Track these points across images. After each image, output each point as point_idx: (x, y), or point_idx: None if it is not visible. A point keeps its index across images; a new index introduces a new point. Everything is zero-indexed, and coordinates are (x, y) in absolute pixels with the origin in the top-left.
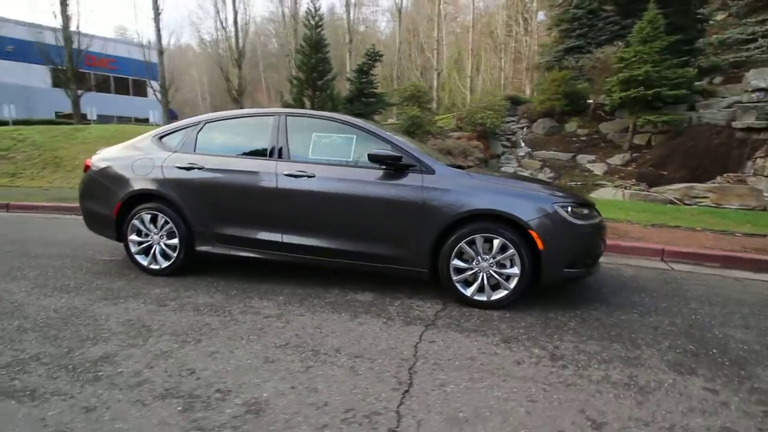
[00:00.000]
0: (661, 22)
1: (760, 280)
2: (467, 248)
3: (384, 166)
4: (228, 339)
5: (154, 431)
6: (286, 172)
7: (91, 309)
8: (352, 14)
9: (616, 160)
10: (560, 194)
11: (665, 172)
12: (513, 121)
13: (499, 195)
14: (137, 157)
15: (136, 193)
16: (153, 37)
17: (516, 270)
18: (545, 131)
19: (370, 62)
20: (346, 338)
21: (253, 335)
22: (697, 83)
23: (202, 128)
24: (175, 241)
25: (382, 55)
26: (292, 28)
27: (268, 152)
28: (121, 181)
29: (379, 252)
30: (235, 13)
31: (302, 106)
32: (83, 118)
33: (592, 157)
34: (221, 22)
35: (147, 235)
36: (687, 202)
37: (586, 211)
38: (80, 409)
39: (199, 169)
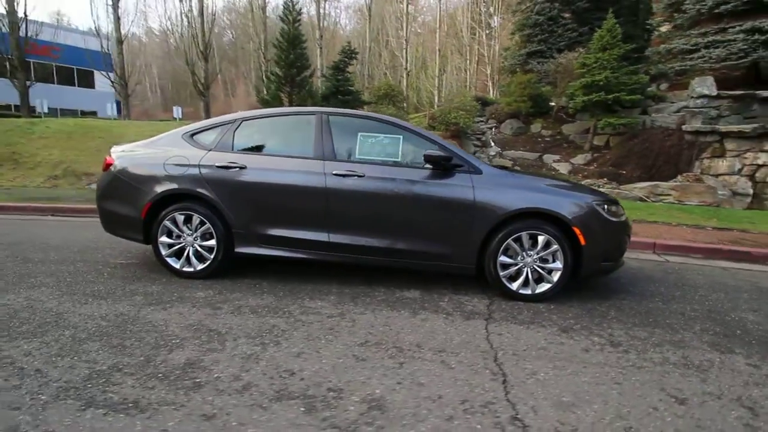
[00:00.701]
0: (618, 31)
1: (742, 269)
2: (513, 245)
3: (433, 166)
4: (306, 339)
5: None
6: (335, 172)
7: (142, 315)
8: (320, 9)
9: (579, 159)
10: (596, 193)
11: (623, 172)
12: (482, 121)
13: (543, 194)
14: (170, 155)
15: (170, 192)
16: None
17: (559, 264)
18: (513, 132)
19: (345, 59)
20: (419, 334)
21: (329, 335)
22: (648, 89)
23: (239, 126)
24: (212, 242)
25: (357, 53)
26: (261, 20)
27: (312, 151)
28: (151, 180)
29: (428, 250)
30: (201, 3)
31: (280, 103)
32: (32, 112)
33: (557, 157)
34: (183, 12)
35: (179, 237)
36: (653, 199)
37: (615, 209)
38: (199, 417)
39: (242, 168)
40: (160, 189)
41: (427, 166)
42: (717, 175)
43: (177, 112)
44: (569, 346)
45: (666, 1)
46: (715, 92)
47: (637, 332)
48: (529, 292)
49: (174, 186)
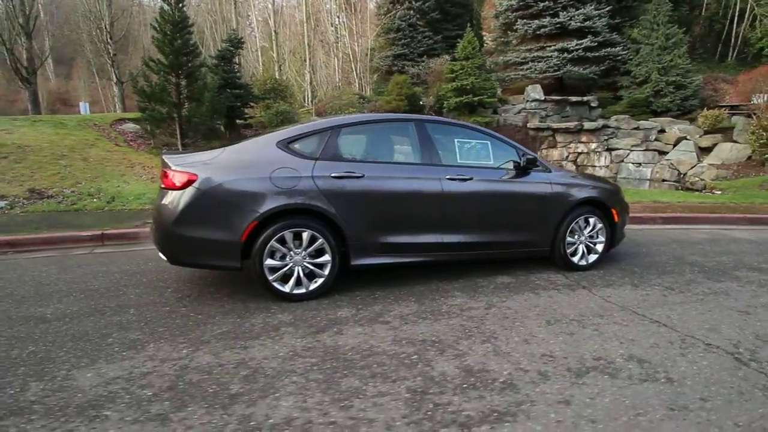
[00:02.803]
0: (476, 43)
1: (680, 228)
2: (576, 228)
3: (519, 168)
4: (503, 329)
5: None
6: (449, 177)
7: (328, 342)
8: None
9: None
10: (611, 183)
11: None
12: None
13: (590, 187)
14: (274, 167)
15: (283, 208)
16: None
17: (602, 238)
18: None
19: (231, 48)
20: (566, 307)
21: (514, 323)
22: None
23: (339, 133)
24: (325, 258)
25: (244, 42)
26: None
27: (420, 158)
28: (255, 196)
29: (520, 239)
30: None
31: (168, 95)
32: None
33: None
34: None
35: (284, 257)
36: None
37: (623, 194)
38: (557, 403)
39: (359, 177)
40: (268, 205)
41: (507, 166)
42: (553, 161)
43: (84, 108)
44: (653, 295)
45: (502, 20)
46: (543, 97)
47: (665, 278)
48: (584, 263)
49: (287, 201)
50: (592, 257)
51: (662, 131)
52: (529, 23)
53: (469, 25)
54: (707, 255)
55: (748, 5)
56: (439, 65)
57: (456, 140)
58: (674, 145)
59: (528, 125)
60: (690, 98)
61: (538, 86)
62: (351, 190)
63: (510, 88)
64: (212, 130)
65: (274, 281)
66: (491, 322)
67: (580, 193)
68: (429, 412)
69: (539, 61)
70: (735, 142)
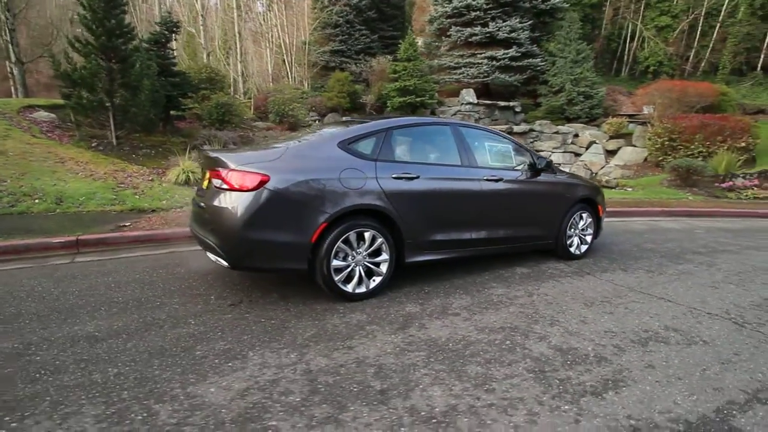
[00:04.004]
0: (416, 45)
1: (619, 220)
2: (573, 222)
3: (534, 170)
4: (561, 313)
5: None
6: (486, 177)
7: (430, 337)
8: None
9: None
10: (592, 181)
11: None
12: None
13: (584, 186)
14: (341, 167)
15: (350, 209)
16: None
17: (591, 231)
18: None
19: (166, 32)
20: (591, 292)
21: (561, 306)
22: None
23: (392, 135)
24: (383, 257)
25: (180, 25)
26: None
27: (459, 159)
28: (326, 197)
29: (535, 233)
30: None
31: (99, 81)
32: None
33: None
34: None
35: (345, 258)
36: None
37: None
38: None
39: (415, 177)
40: (339, 206)
41: (524, 168)
42: None
43: None
44: (642, 277)
45: (436, 26)
46: (476, 101)
47: (641, 263)
48: (578, 253)
49: (356, 201)
50: (583, 247)
51: (576, 135)
52: (462, 30)
53: (410, 28)
54: (657, 242)
55: (638, 28)
56: (381, 65)
57: (486, 144)
58: (587, 148)
59: None
60: (596, 107)
61: (472, 90)
62: (408, 190)
63: (441, 90)
64: (151, 122)
65: (339, 282)
66: (542, 307)
67: (579, 192)
68: (561, 387)
69: (471, 67)
70: (634, 146)
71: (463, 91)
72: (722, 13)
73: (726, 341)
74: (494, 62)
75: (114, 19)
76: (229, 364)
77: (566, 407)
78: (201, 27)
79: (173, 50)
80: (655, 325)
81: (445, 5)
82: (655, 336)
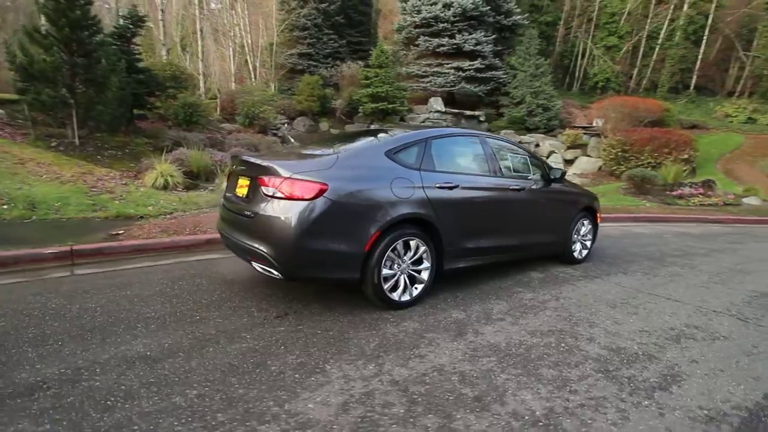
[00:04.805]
0: (388, 53)
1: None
2: (579, 229)
3: (545, 180)
4: (592, 315)
5: None
6: (511, 187)
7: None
8: None
9: None
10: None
11: None
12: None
13: (586, 196)
14: (392, 176)
15: (400, 218)
16: None
17: (590, 237)
18: (306, 129)
19: (131, 26)
20: (607, 294)
21: (589, 308)
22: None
23: (431, 145)
24: (425, 264)
25: (146, 18)
26: None
27: (489, 169)
28: (380, 206)
29: (547, 240)
30: None
31: (61, 77)
32: None
33: None
34: None
35: (392, 266)
36: None
37: None
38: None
39: (454, 187)
40: (391, 215)
41: (538, 178)
42: None
43: None
44: (643, 279)
45: (404, 35)
46: (444, 109)
47: (634, 266)
48: (580, 258)
49: (407, 210)
50: (584, 252)
51: (537, 145)
52: (430, 41)
53: (381, 36)
54: (639, 247)
55: (588, 46)
56: (352, 70)
57: (509, 155)
58: (547, 157)
59: None
60: (553, 119)
61: (440, 99)
62: (448, 199)
63: (409, 98)
64: (117, 121)
65: (387, 290)
66: (574, 310)
67: (584, 201)
68: (631, 384)
69: (439, 76)
70: (589, 156)
71: (432, 100)
72: (661, 37)
73: (740, 336)
74: (460, 73)
75: (79, 10)
76: (312, 378)
77: (646, 403)
78: (160, 21)
79: (138, 45)
80: (677, 324)
81: (414, 15)
82: (682, 333)
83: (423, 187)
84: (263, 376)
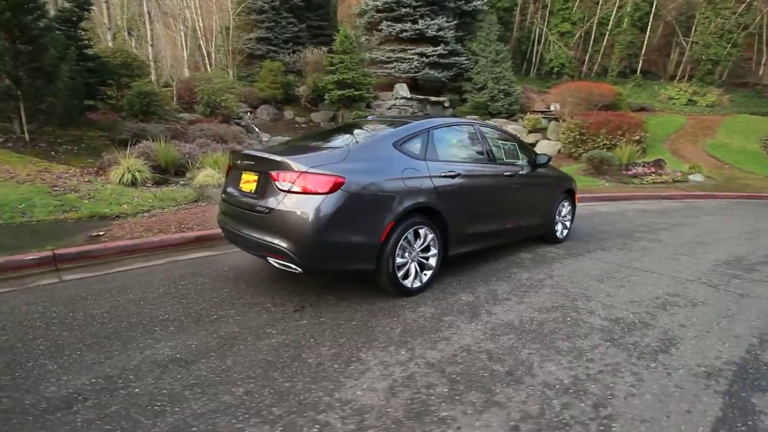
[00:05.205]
0: (352, 38)
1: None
2: (561, 210)
3: (535, 165)
4: (611, 278)
5: None
6: (506, 173)
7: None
8: None
9: None
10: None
11: None
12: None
13: (566, 179)
14: (401, 167)
15: (412, 208)
16: None
17: (570, 218)
18: (270, 117)
19: (77, 10)
20: (593, 269)
21: (577, 286)
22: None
23: (432, 135)
24: (432, 251)
25: (92, 3)
26: None
27: (485, 157)
28: (393, 197)
29: (536, 222)
30: None
31: (4, 66)
32: None
33: None
34: None
35: (403, 254)
36: None
37: None
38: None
39: (457, 175)
40: (403, 205)
41: (525, 163)
42: None
43: None
44: (620, 255)
45: (366, 19)
46: (409, 95)
47: (609, 242)
48: (561, 237)
49: (417, 200)
50: (565, 232)
51: None
52: (393, 26)
53: (339, 19)
54: (609, 224)
55: (544, 32)
56: (316, 56)
57: (500, 142)
58: None
59: None
60: (514, 104)
61: (405, 85)
62: (451, 187)
63: (373, 84)
64: (70, 114)
65: (401, 278)
66: (569, 286)
67: (565, 184)
68: (637, 350)
69: (403, 62)
70: (549, 139)
71: (397, 86)
72: (611, 23)
73: (715, 300)
74: (424, 58)
75: None
76: (351, 367)
77: (653, 365)
78: (104, 3)
79: (85, 31)
80: (660, 293)
81: None
82: (666, 301)
83: (430, 177)
84: (303, 368)
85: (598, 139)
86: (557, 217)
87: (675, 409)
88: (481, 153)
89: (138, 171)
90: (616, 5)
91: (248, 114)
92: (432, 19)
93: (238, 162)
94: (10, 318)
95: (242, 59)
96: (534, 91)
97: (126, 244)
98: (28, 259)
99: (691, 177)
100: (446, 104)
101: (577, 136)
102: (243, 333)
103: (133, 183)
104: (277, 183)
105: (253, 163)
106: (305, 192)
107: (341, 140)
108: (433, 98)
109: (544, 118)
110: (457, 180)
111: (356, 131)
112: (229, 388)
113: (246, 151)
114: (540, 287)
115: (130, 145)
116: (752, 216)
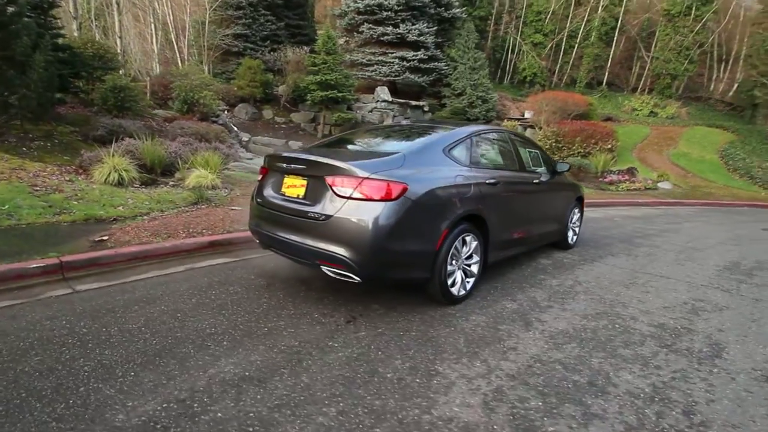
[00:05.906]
0: (335, 39)
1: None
2: (573, 216)
3: (552, 173)
4: (635, 285)
5: None
6: (535, 180)
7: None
8: None
9: None
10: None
11: None
12: None
13: (577, 186)
14: (453, 174)
15: (464, 215)
16: None
17: (579, 223)
18: (249, 117)
19: None
20: (613, 275)
21: (606, 292)
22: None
23: (474, 142)
24: (475, 258)
25: None
26: None
27: (517, 164)
28: (447, 204)
29: (555, 228)
30: None
31: None
32: None
33: (300, 143)
34: None
35: (452, 262)
36: None
37: None
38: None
39: (498, 183)
40: (456, 212)
41: (545, 170)
42: None
43: None
44: (629, 260)
45: (347, 21)
46: (390, 98)
47: (613, 248)
48: (572, 243)
49: (469, 207)
50: (574, 238)
51: None
52: (374, 29)
53: (316, 19)
54: (605, 230)
55: (518, 42)
56: (297, 56)
57: (527, 149)
58: None
59: (384, 123)
60: (491, 110)
61: (386, 88)
62: (494, 194)
63: (365, 87)
64: (43, 106)
65: (450, 286)
66: (600, 292)
67: (577, 191)
68: (693, 355)
69: (383, 65)
70: None
71: (379, 89)
72: (579, 36)
73: (736, 305)
74: (405, 63)
75: None
76: (434, 381)
77: (715, 370)
78: None
79: (57, 19)
80: (686, 298)
81: (357, 1)
82: (695, 307)
83: (477, 184)
84: (385, 384)
85: (573, 147)
86: (569, 223)
87: (756, 413)
88: (512, 160)
89: (125, 170)
90: (585, 19)
91: (225, 112)
92: (413, 24)
93: (278, 165)
94: (34, 335)
95: (217, 56)
96: (508, 98)
97: (137, 250)
98: (32, 267)
99: (660, 185)
100: (426, 109)
101: (554, 144)
102: (304, 347)
103: (120, 183)
104: (335, 188)
105: (301, 167)
106: (368, 199)
107: (391, 145)
108: (413, 102)
109: (520, 125)
110: (498, 187)
111: (396, 135)
112: (319, 408)
113: (288, 154)
114: (574, 294)
115: (114, 142)
116: (727, 223)
